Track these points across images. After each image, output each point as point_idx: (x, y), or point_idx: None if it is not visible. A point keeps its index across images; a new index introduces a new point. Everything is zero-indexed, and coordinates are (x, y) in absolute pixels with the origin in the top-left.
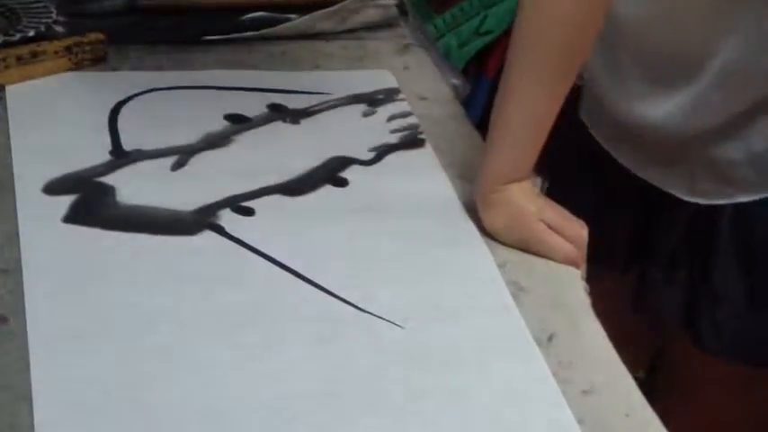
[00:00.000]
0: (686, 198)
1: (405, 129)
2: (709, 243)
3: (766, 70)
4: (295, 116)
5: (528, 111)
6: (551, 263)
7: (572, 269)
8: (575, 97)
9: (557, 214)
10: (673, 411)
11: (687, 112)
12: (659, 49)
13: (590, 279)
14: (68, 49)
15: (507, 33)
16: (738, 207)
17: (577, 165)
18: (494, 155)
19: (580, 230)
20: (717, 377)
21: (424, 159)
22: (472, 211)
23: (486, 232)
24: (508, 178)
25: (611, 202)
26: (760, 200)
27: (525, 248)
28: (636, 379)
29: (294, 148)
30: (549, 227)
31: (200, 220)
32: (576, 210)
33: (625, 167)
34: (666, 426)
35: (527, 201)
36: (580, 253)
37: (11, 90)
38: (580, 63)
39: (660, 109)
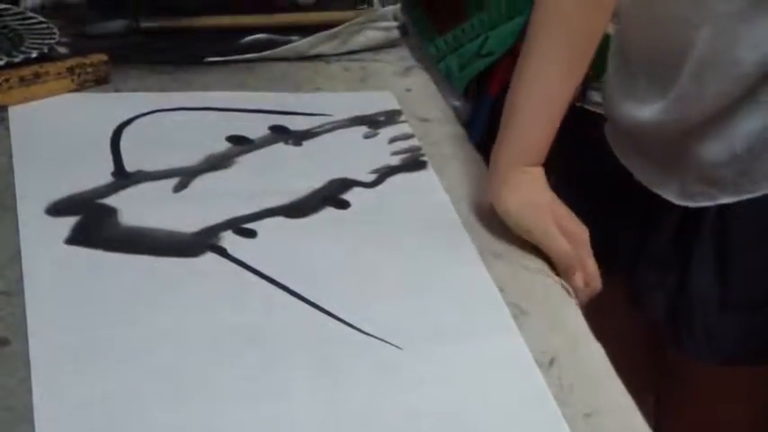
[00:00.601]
0: (677, 201)
1: (406, 151)
2: (693, 245)
3: (738, 62)
4: (297, 138)
5: (542, 91)
6: (551, 286)
7: (572, 299)
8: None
9: (565, 212)
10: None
11: (671, 110)
12: (646, 47)
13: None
14: (71, 70)
15: (509, 54)
16: (721, 209)
17: (584, 165)
18: (508, 135)
19: (582, 234)
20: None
21: (425, 181)
22: (474, 232)
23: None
24: (522, 160)
25: (614, 204)
26: (739, 202)
27: (528, 236)
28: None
29: (296, 170)
30: (558, 223)
31: (203, 242)
32: (580, 209)
33: (628, 171)
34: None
35: (540, 190)
36: (577, 256)
37: (14, 111)
38: (593, 44)
39: (648, 108)
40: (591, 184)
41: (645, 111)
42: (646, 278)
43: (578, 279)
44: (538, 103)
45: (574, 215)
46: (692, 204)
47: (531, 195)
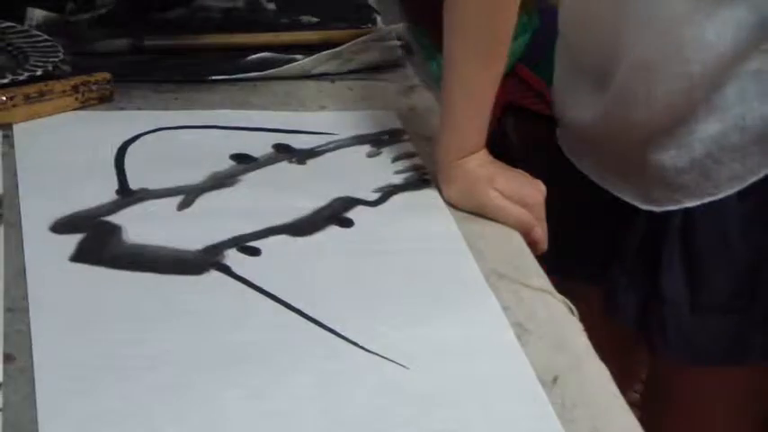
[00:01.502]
0: (641, 206)
1: (410, 169)
2: (661, 249)
3: (686, 65)
4: (301, 156)
5: (464, 86)
6: (554, 305)
7: (575, 318)
8: (543, 123)
9: (509, 181)
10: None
11: (612, 112)
12: (587, 51)
13: (569, 292)
14: (75, 88)
15: (510, 74)
16: (686, 214)
17: (551, 184)
18: (443, 132)
19: (534, 195)
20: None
21: (429, 200)
22: (477, 251)
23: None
24: (459, 153)
25: (583, 215)
26: (703, 204)
27: (482, 214)
28: (631, 404)
29: (300, 189)
30: (503, 194)
31: (207, 260)
32: (552, 226)
33: (594, 182)
34: None
35: (480, 170)
36: (535, 216)
37: (18, 128)
38: (502, 43)
39: (593, 109)
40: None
41: (587, 113)
42: (617, 282)
43: (535, 234)
44: (461, 101)
45: (523, 178)
46: (656, 209)
47: (468, 183)
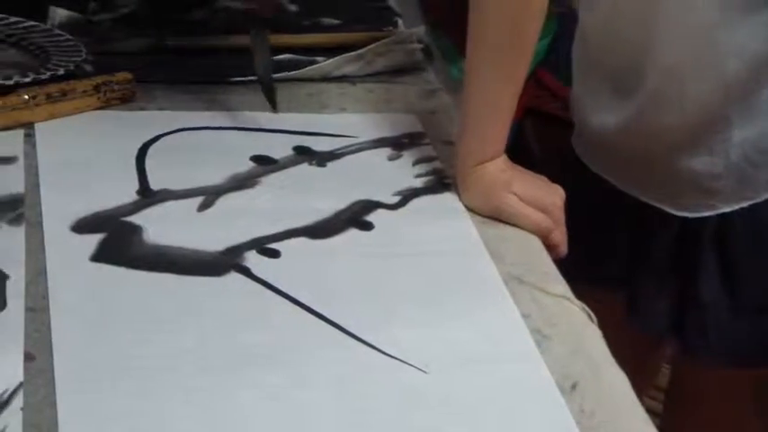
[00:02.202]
0: (675, 212)
1: (430, 173)
2: (695, 254)
3: (719, 69)
4: (321, 159)
5: (485, 95)
6: (574, 312)
7: (594, 325)
8: (562, 127)
9: (527, 185)
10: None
11: (640, 114)
12: (612, 57)
13: (588, 297)
14: (97, 87)
15: (531, 78)
16: (721, 217)
17: (571, 189)
18: (462, 139)
19: (553, 199)
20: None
21: (448, 204)
22: (497, 256)
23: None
24: (478, 160)
25: (604, 221)
26: (740, 209)
27: (500, 219)
28: (655, 415)
29: (320, 191)
30: (521, 198)
31: (227, 262)
32: (572, 232)
33: (615, 187)
34: None
35: (498, 174)
36: (553, 221)
37: (40, 128)
38: (526, 50)
39: (617, 115)
40: (576, 193)
41: (612, 118)
42: (644, 290)
43: (554, 238)
44: (482, 109)
45: (541, 182)
46: (690, 215)
47: (487, 189)
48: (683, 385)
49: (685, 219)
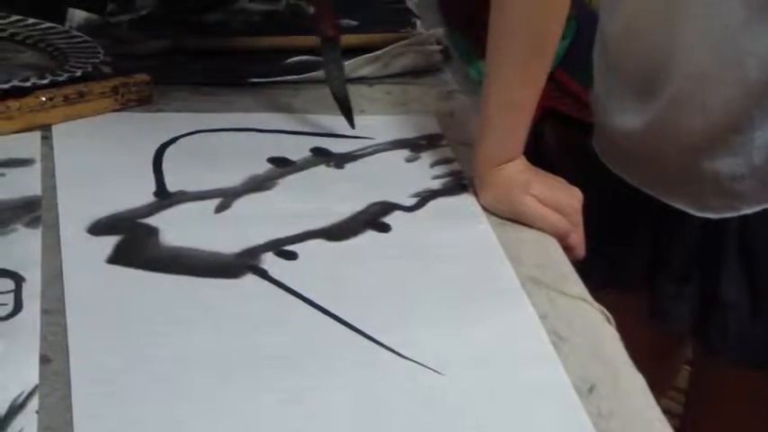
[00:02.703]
0: (697, 213)
1: (448, 175)
2: (718, 255)
3: (743, 70)
4: (339, 160)
5: (506, 97)
6: (591, 313)
7: (611, 327)
8: (580, 129)
9: (545, 187)
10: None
11: (662, 117)
12: (634, 60)
13: (607, 298)
14: (114, 89)
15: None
16: (744, 218)
17: (590, 190)
18: (482, 141)
19: (571, 201)
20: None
21: (466, 206)
22: (514, 258)
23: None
24: (497, 161)
25: (624, 224)
26: (763, 210)
27: (518, 221)
28: (665, 412)
29: (337, 193)
30: (539, 200)
31: (243, 264)
32: (590, 233)
33: (635, 188)
34: None
35: (517, 175)
36: (571, 223)
37: (57, 129)
38: (548, 51)
39: (640, 117)
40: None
41: (633, 120)
42: (665, 290)
43: (572, 240)
44: (501, 111)
45: (560, 184)
46: (713, 216)
47: (505, 190)
48: (703, 386)
49: (707, 220)
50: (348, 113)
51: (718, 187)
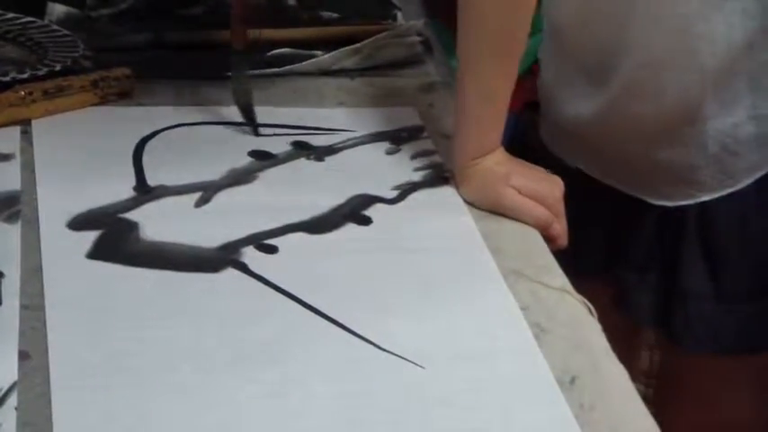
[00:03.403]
0: (653, 201)
1: (428, 167)
2: (677, 243)
3: (697, 58)
4: (319, 153)
5: (480, 89)
6: (573, 305)
7: (593, 318)
8: (533, 122)
9: (526, 178)
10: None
11: (615, 105)
12: (586, 47)
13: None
14: (94, 83)
15: (529, 73)
16: (702, 205)
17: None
18: (458, 135)
19: (552, 191)
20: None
21: (447, 198)
22: (495, 251)
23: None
24: (475, 154)
25: (583, 212)
26: (722, 197)
27: (500, 213)
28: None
29: (318, 186)
30: (520, 191)
31: (224, 258)
32: None
33: (592, 177)
34: None
35: (496, 167)
36: (553, 213)
37: (37, 124)
38: (519, 42)
39: (591, 104)
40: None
41: (586, 109)
42: (626, 280)
43: (554, 230)
44: (477, 101)
45: (540, 174)
46: (670, 204)
47: (485, 183)
48: (673, 371)
49: (665, 208)
50: (252, 122)
51: (674, 176)
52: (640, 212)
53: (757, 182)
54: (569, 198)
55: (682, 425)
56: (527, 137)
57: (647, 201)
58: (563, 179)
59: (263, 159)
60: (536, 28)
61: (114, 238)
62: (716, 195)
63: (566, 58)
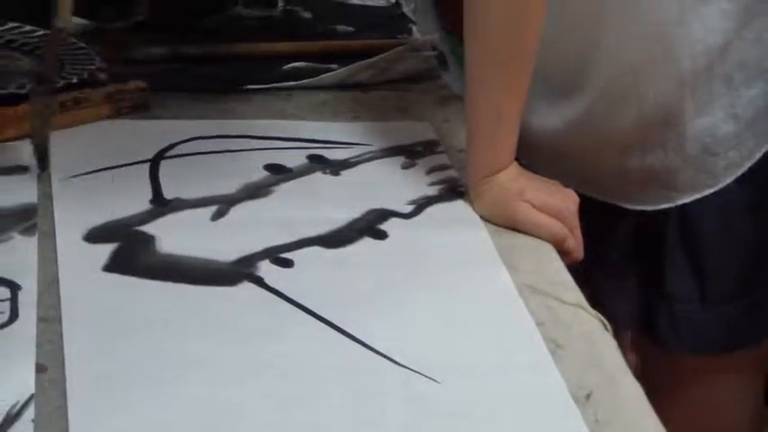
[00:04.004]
0: (630, 207)
1: (444, 181)
2: (659, 246)
3: (676, 63)
4: (335, 167)
5: (490, 107)
6: (589, 321)
7: (608, 334)
8: None
9: (540, 192)
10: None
11: (590, 114)
12: (558, 59)
13: None
14: (110, 96)
15: None
16: (682, 207)
17: None
18: (471, 152)
19: (566, 204)
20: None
21: (462, 212)
22: (510, 266)
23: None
24: (489, 171)
25: None
26: (702, 198)
27: (515, 228)
28: None
29: (334, 200)
30: (534, 206)
31: (240, 271)
32: None
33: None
34: None
35: (510, 183)
36: (567, 226)
37: (53, 136)
38: (528, 59)
39: (564, 115)
40: None
41: (556, 119)
42: (605, 285)
43: (569, 244)
44: (487, 120)
45: (554, 188)
46: (649, 208)
47: (498, 198)
48: (656, 375)
49: (643, 212)
50: (42, 158)
51: (651, 180)
52: (617, 218)
53: (737, 180)
54: None
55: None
56: None
57: (624, 206)
58: None
59: (279, 173)
60: None
61: (131, 251)
62: (696, 196)
63: (536, 72)
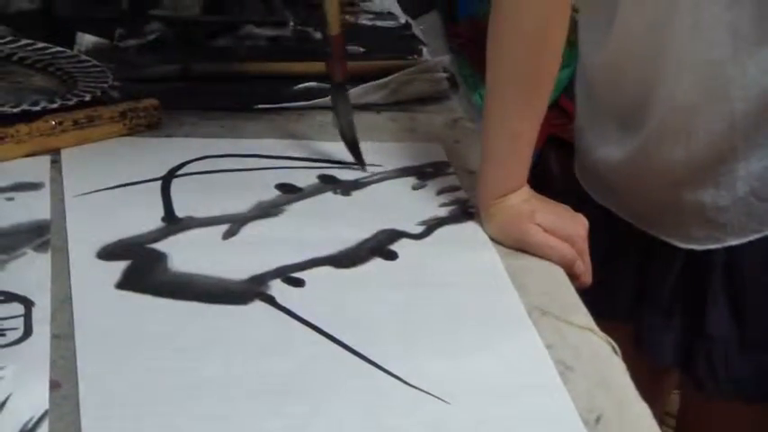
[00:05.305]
0: (681, 245)
1: (454, 202)
2: (703, 287)
3: (729, 103)
4: (346, 187)
5: (506, 129)
6: (598, 344)
7: (618, 357)
8: (568, 160)
9: (551, 215)
10: None
11: (646, 149)
12: (618, 92)
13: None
14: (123, 114)
15: (553, 107)
16: (729, 250)
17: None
18: (483, 173)
19: (577, 229)
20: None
21: (473, 234)
22: (520, 287)
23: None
24: (500, 192)
25: (611, 254)
26: (749, 242)
27: (525, 250)
28: None
29: (344, 220)
30: (545, 229)
31: (251, 290)
32: None
33: (622, 219)
34: None
35: (521, 205)
36: (577, 250)
37: (66, 154)
38: (547, 83)
39: (622, 149)
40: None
41: (617, 152)
42: (650, 322)
43: (578, 267)
44: (503, 140)
45: (565, 212)
46: (697, 247)
47: (510, 221)
48: (693, 415)
49: (692, 251)
50: (358, 156)
51: (702, 219)
52: (668, 256)
53: None
54: (597, 234)
55: None
56: (546, 170)
57: (675, 244)
58: (592, 215)
59: (290, 193)
60: (562, 64)
61: (143, 269)
62: (742, 240)
63: (598, 106)
